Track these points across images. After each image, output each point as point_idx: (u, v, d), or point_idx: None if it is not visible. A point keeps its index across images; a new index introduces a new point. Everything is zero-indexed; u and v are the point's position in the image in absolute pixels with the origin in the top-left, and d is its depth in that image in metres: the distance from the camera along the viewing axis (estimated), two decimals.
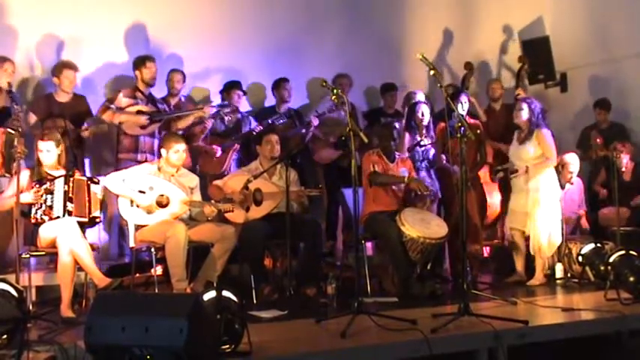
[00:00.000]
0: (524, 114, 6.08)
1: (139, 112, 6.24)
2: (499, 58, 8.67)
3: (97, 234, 6.32)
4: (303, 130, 6.96)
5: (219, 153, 6.57)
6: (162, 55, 6.96)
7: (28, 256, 5.03)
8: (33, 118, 6.18)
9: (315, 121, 6.91)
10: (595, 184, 7.33)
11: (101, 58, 6.85)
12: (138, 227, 5.46)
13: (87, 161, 6.48)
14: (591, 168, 7.51)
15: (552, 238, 6.03)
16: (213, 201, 5.65)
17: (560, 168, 6.68)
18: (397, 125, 6.20)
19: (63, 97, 6.23)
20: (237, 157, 6.79)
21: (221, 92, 6.97)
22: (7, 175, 5.33)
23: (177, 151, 5.55)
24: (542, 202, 6.00)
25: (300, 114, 7.26)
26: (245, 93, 6.96)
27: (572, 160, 6.69)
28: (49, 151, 5.19)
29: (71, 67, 6.25)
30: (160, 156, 5.67)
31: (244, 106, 7.22)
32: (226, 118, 6.66)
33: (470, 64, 7.32)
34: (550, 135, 6.12)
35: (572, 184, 6.76)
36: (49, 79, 6.40)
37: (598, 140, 7.23)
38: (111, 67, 6.89)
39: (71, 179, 5.09)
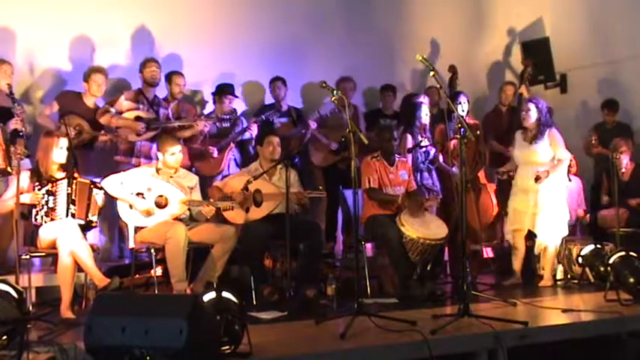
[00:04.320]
0: (533, 115, 5.97)
1: (137, 118, 6.22)
2: (503, 60, 8.67)
3: (97, 235, 6.31)
4: (302, 131, 6.96)
5: (215, 154, 6.57)
6: (162, 57, 6.93)
7: (28, 256, 5.02)
8: (54, 108, 6.19)
9: (314, 125, 6.92)
10: (601, 191, 7.11)
11: (105, 60, 6.81)
12: (137, 228, 5.46)
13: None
14: (595, 171, 7.46)
15: (558, 237, 6.02)
16: (212, 200, 5.65)
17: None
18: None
19: (90, 103, 6.27)
20: (234, 158, 6.79)
21: (213, 94, 6.89)
22: (8, 169, 5.25)
23: (173, 154, 5.56)
24: (550, 201, 5.97)
25: (301, 113, 7.25)
26: (236, 96, 6.93)
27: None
28: (61, 148, 5.16)
29: (99, 70, 6.29)
30: (157, 159, 5.67)
31: (240, 105, 7.21)
32: (218, 124, 6.66)
33: (453, 66, 7.09)
34: (559, 134, 6.06)
35: (569, 180, 6.77)
36: (51, 80, 6.41)
37: (593, 139, 7.21)
38: (114, 69, 6.85)
39: (74, 181, 5.08)
